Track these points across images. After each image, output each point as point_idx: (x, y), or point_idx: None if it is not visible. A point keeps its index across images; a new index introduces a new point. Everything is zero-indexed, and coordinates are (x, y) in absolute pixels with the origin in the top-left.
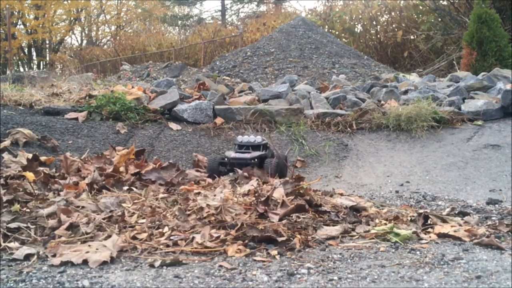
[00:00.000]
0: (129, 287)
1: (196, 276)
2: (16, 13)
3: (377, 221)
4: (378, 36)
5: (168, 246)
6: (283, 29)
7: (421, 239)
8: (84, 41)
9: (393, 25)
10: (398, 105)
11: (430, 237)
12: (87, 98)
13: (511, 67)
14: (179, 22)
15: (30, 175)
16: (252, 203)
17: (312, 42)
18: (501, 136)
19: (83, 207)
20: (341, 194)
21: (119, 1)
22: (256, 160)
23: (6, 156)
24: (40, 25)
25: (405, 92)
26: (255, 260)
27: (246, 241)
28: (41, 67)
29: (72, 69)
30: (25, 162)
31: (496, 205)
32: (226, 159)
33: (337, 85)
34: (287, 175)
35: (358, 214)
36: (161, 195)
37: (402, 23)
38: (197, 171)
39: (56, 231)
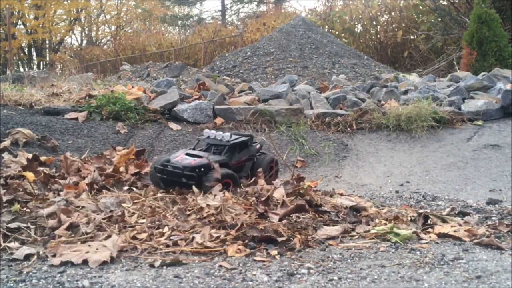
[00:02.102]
0: (129, 287)
1: (196, 276)
2: (16, 13)
3: (377, 221)
4: (378, 36)
5: (168, 246)
6: (283, 29)
7: (421, 239)
8: (84, 41)
9: (393, 25)
10: (398, 105)
11: (430, 237)
12: (87, 98)
13: (511, 67)
14: (179, 22)
15: (30, 175)
16: (252, 203)
17: (312, 42)
18: (501, 136)
19: (83, 207)
20: (341, 194)
21: (119, 1)
22: (200, 170)
23: (6, 156)
24: (40, 25)
25: (405, 92)
26: (255, 260)
27: (246, 241)
28: (41, 67)
29: (72, 69)
30: (25, 162)
31: (496, 205)
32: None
33: (337, 85)
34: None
35: (358, 214)
36: (160, 195)
37: (402, 23)
38: None
39: (56, 231)
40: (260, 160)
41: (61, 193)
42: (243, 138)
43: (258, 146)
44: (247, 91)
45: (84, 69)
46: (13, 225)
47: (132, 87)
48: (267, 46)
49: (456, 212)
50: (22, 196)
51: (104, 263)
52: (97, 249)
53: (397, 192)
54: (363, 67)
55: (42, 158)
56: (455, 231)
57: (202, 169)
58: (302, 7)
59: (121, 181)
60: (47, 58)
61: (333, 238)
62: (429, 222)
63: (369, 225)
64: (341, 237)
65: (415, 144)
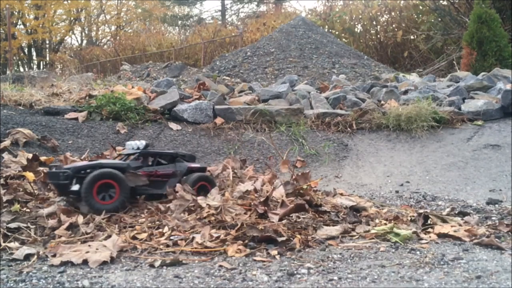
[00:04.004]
0: (129, 287)
1: (196, 276)
2: (16, 13)
3: (377, 221)
4: (378, 36)
5: (168, 246)
6: (283, 29)
7: (421, 239)
8: (84, 41)
9: (393, 25)
10: (398, 105)
11: (430, 237)
12: (87, 98)
13: (511, 67)
14: (179, 22)
15: (30, 175)
16: (252, 203)
17: (312, 42)
18: (501, 136)
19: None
20: (341, 194)
21: (119, 1)
22: (85, 172)
23: (6, 156)
24: (40, 25)
25: (405, 92)
26: (255, 260)
27: (246, 241)
28: (41, 67)
29: (72, 69)
30: (25, 162)
31: (496, 205)
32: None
33: (337, 85)
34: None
35: (358, 214)
36: None
37: (402, 23)
38: None
39: (56, 231)
40: (186, 179)
41: None
42: (166, 151)
43: (194, 165)
44: (247, 91)
45: (84, 69)
46: (13, 225)
47: (132, 87)
48: (267, 46)
49: (456, 212)
50: (22, 196)
51: (104, 263)
52: (97, 249)
53: (397, 192)
54: (363, 67)
55: (42, 158)
56: (455, 231)
57: (88, 170)
58: (302, 7)
59: None
60: (47, 58)
61: (333, 238)
62: (429, 222)
63: (369, 225)
64: (341, 237)
65: (415, 144)
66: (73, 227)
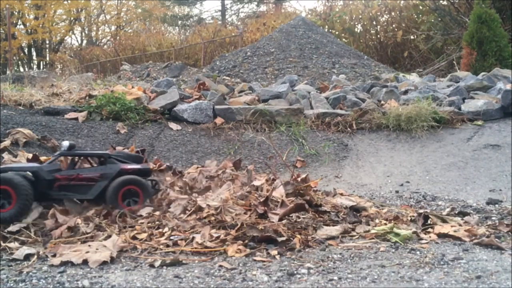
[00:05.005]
0: (129, 287)
1: (196, 276)
2: (16, 13)
3: (377, 221)
4: (378, 36)
5: (168, 246)
6: (283, 29)
7: (421, 239)
8: (84, 41)
9: (393, 25)
10: (398, 105)
11: (430, 237)
12: (87, 98)
13: (511, 67)
14: (179, 22)
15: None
16: (252, 203)
17: (312, 42)
18: (501, 136)
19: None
20: (341, 194)
21: (119, 1)
22: None
23: (6, 156)
24: (40, 25)
25: (405, 92)
26: (255, 260)
27: (246, 241)
28: (41, 67)
29: (72, 69)
30: None
31: (496, 205)
32: None
33: (337, 85)
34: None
35: (358, 214)
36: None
37: (402, 23)
38: None
39: (53, 232)
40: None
41: None
42: (91, 151)
43: (130, 166)
44: (247, 91)
45: (84, 69)
46: (14, 227)
47: (132, 87)
48: (267, 46)
49: (456, 212)
50: None
51: (104, 263)
52: (97, 249)
53: (397, 192)
54: (363, 67)
55: (42, 158)
56: (455, 231)
57: None
58: (302, 7)
59: None
60: (47, 58)
61: (333, 238)
62: (429, 222)
63: (369, 225)
64: (341, 237)
65: (415, 144)
66: (72, 227)
